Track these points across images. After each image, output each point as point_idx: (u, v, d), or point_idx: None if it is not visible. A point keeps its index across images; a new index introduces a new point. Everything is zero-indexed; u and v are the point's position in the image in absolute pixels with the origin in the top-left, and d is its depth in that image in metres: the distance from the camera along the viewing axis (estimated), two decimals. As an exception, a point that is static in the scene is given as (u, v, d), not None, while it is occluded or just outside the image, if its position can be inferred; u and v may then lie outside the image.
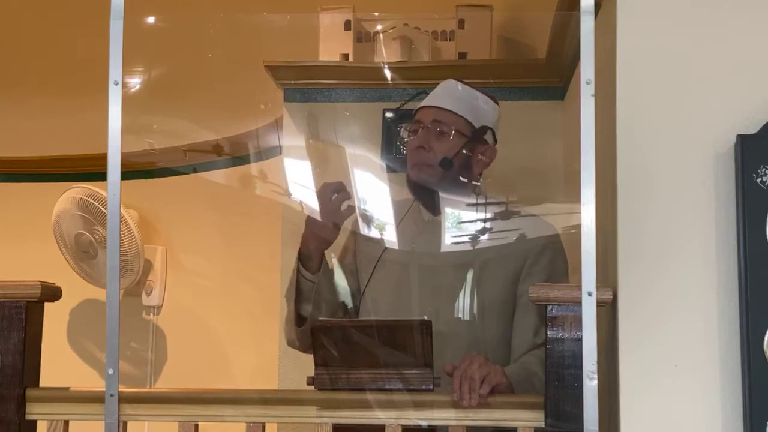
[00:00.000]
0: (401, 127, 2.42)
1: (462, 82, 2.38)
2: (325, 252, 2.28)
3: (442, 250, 2.33)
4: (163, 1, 2.32)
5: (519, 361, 2.16)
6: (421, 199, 2.35)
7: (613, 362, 1.92)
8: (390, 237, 2.37)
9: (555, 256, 2.26)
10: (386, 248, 2.34)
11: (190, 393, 2.09)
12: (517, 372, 2.09)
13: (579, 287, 1.78)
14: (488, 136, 2.33)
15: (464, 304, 2.26)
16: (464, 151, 2.29)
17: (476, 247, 2.32)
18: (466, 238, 2.34)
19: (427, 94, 2.41)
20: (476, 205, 2.34)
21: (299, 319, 2.27)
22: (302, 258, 2.27)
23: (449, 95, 2.34)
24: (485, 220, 2.35)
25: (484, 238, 2.34)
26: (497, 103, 2.39)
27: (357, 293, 2.35)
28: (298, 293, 2.27)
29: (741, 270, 1.85)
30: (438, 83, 2.41)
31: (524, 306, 2.20)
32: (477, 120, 2.32)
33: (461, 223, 2.36)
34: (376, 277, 2.32)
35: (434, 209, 2.34)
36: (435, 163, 2.28)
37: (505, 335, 2.23)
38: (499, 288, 2.24)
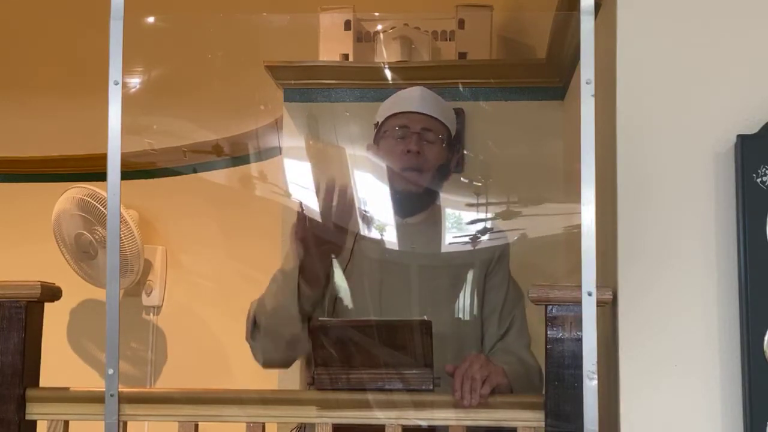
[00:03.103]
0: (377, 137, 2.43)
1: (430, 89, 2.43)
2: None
3: (417, 251, 2.35)
4: (163, 1, 2.32)
5: (506, 361, 2.16)
6: (400, 201, 2.34)
7: (613, 362, 1.92)
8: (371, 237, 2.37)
9: (507, 258, 2.37)
10: (353, 250, 2.30)
11: (190, 393, 2.09)
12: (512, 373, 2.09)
13: (579, 287, 1.78)
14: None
15: (441, 305, 2.28)
16: (448, 159, 2.35)
17: (447, 250, 2.38)
18: (438, 241, 2.38)
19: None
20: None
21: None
22: (308, 278, 2.18)
23: (433, 103, 2.37)
24: (454, 224, 2.42)
25: (453, 241, 2.39)
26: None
27: (331, 294, 2.31)
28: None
29: (741, 270, 1.85)
30: (438, 83, 2.42)
31: (491, 300, 2.29)
32: (452, 129, 2.38)
33: (436, 226, 2.39)
34: (350, 276, 2.30)
35: (403, 213, 2.35)
36: (429, 168, 2.31)
37: (479, 332, 2.30)
38: (472, 288, 2.29)
